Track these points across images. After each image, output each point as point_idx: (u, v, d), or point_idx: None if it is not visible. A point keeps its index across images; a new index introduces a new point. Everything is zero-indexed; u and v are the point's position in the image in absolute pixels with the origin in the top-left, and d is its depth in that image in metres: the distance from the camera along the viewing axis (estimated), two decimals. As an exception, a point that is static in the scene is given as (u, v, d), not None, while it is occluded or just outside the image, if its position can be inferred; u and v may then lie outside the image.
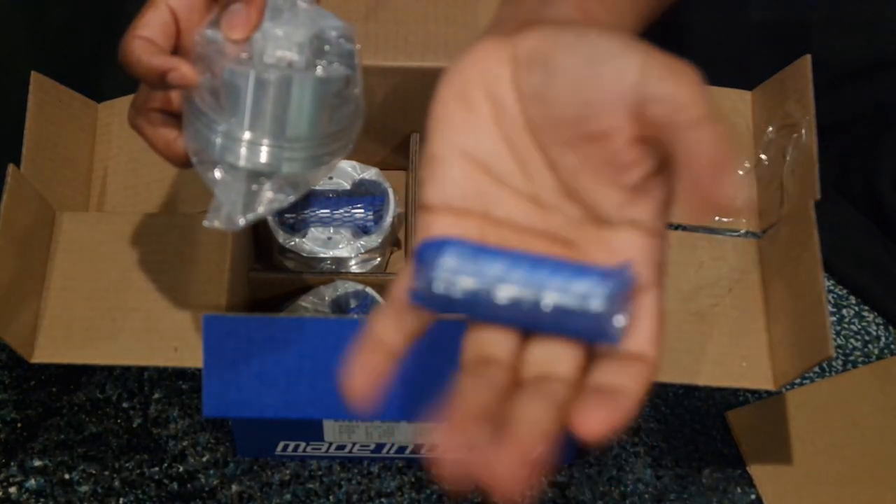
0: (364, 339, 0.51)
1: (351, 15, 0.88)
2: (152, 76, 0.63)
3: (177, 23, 0.65)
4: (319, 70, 0.63)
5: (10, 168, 0.78)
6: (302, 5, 0.65)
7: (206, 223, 0.63)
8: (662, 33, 1.02)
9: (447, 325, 0.69)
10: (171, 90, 0.65)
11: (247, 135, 0.62)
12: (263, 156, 0.62)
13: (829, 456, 0.90)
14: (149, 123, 0.67)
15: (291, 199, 0.64)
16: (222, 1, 0.64)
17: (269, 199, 0.64)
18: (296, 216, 0.92)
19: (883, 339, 0.97)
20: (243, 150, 0.62)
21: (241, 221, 0.63)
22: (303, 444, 0.87)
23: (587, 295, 0.47)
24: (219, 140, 0.62)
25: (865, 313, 0.98)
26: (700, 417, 0.93)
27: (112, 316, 0.79)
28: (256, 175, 0.63)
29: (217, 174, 0.63)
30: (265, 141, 0.62)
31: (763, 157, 0.85)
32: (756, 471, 0.91)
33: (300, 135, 0.63)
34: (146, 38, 0.64)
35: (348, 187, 0.93)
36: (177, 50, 0.65)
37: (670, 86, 0.47)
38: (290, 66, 0.63)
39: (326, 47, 0.64)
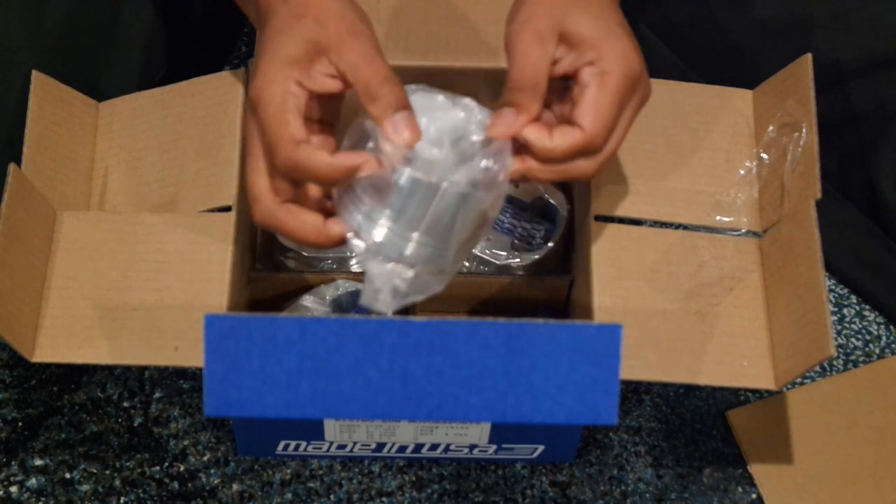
0: None
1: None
2: (341, 176, 0.67)
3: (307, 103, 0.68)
4: (478, 196, 0.68)
5: (11, 167, 0.78)
6: (439, 98, 0.69)
7: (362, 302, 0.70)
8: (664, 32, 1.02)
9: (446, 326, 0.69)
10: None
11: (397, 227, 0.67)
12: (408, 248, 0.68)
13: (830, 455, 0.90)
14: (291, 215, 0.69)
15: (419, 296, 0.70)
16: (380, 104, 0.67)
17: (410, 288, 0.69)
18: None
19: (884, 338, 0.97)
20: (394, 240, 0.67)
21: (389, 307, 0.69)
22: (303, 444, 0.87)
23: None
24: (376, 229, 0.67)
25: (866, 312, 0.98)
26: (701, 417, 0.93)
27: (113, 315, 0.79)
28: (401, 263, 0.68)
29: (371, 263, 0.68)
30: (413, 235, 0.67)
31: (764, 156, 0.85)
32: (757, 470, 0.91)
33: (441, 240, 0.68)
34: (305, 141, 0.67)
35: (349, 186, 0.93)
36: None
37: None
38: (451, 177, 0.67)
39: (482, 164, 0.68)
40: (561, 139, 0.68)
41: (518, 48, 0.69)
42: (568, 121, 0.69)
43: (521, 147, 0.69)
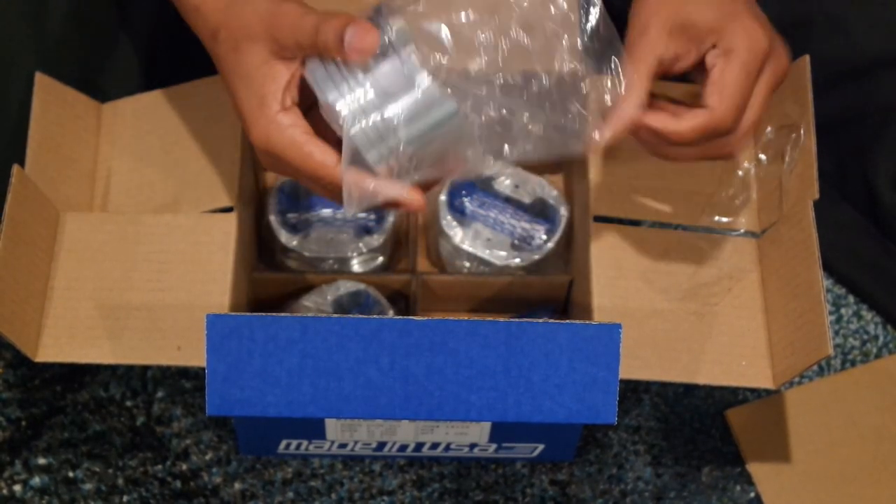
0: None
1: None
2: (384, 206, 0.68)
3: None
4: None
5: (15, 168, 0.78)
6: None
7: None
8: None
9: (447, 325, 0.69)
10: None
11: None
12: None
13: (828, 454, 0.91)
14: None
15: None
16: (334, 48, 0.66)
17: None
18: (298, 216, 0.92)
19: (881, 337, 0.97)
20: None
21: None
22: (305, 443, 0.87)
23: None
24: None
25: (864, 312, 0.98)
26: (700, 416, 0.94)
27: (116, 315, 0.79)
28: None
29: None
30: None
31: (762, 156, 0.85)
32: (755, 469, 0.91)
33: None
34: (336, 161, 0.67)
35: (350, 187, 0.93)
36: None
37: None
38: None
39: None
40: (689, 121, 0.69)
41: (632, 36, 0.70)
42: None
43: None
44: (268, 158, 0.70)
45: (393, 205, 0.68)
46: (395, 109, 0.66)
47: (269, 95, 0.68)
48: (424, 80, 0.66)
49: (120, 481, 0.90)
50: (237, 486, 0.90)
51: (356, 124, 0.66)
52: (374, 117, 0.66)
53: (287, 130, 0.68)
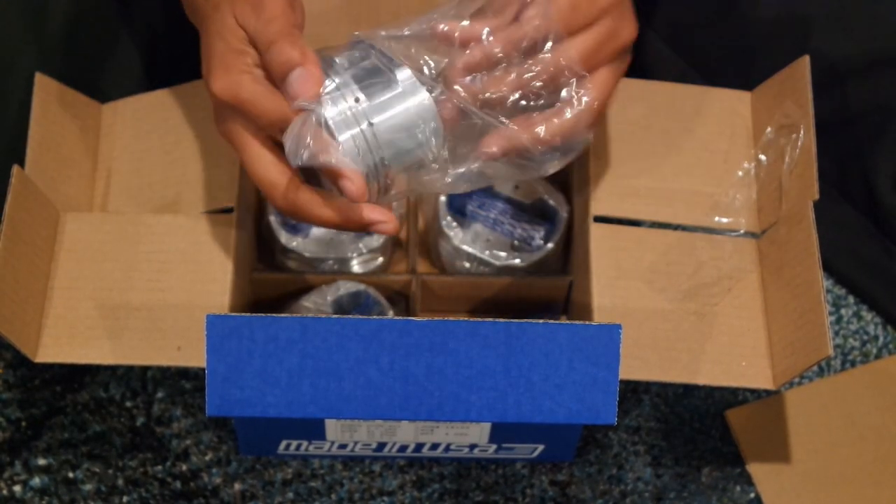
0: None
1: (352, 15, 0.88)
2: (357, 226, 0.69)
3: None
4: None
5: (15, 169, 0.78)
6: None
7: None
8: (665, 31, 1.02)
9: (447, 326, 0.69)
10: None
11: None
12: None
13: (828, 455, 0.91)
14: (314, 200, 0.69)
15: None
16: (276, 73, 0.66)
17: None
18: (298, 216, 0.92)
19: (881, 338, 0.97)
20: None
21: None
22: (305, 443, 0.87)
23: None
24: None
25: (864, 313, 0.98)
26: (700, 416, 0.94)
27: (116, 315, 0.79)
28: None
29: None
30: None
31: (762, 157, 0.85)
32: (755, 469, 0.91)
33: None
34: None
35: (350, 187, 0.93)
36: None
37: None
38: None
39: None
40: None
41: None
42: None
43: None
44: (225, 111, 0.69)
45: (335, 175, 0.66)
46: (382, 115, 0.67)
47: (245, 52, 0.68)
48: (422, 92, 0.67)
49: (120, 482, 0.90)
50: (237, 486, 0.90)
51: (331, 105, 0.67)
52: (353, 106, 0.67)
53: (263, 81, 0.67)
